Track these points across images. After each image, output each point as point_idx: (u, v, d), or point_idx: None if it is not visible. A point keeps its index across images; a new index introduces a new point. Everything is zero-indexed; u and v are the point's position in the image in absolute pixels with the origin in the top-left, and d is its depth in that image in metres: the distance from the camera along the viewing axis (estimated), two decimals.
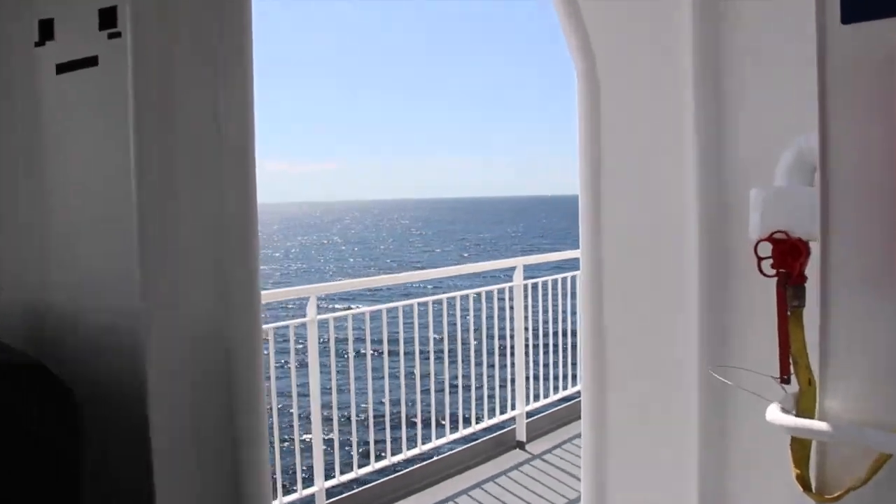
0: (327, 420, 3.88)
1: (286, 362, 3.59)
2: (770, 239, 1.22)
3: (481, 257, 43.89)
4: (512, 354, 4.77)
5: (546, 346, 5.09)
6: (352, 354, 3.88)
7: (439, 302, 4.41)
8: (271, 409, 3.57)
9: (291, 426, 3.76)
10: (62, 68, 1.51)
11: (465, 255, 47.58)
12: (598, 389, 2.31)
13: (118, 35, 1.39)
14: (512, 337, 4.76)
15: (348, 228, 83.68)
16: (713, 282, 1.95)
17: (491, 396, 4.61)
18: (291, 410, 3.68)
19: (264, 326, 3.50)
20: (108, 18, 1.40)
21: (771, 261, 1.21)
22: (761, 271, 1.21)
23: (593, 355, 2.32)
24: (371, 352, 4.11)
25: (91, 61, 1.45)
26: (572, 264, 5.07)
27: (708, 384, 1.90)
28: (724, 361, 1.84)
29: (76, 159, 1.57)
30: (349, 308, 4.03)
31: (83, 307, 1.56)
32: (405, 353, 4.23)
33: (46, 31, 1.52)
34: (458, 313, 4.53)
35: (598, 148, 2.28)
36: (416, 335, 4.28)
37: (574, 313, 5.05)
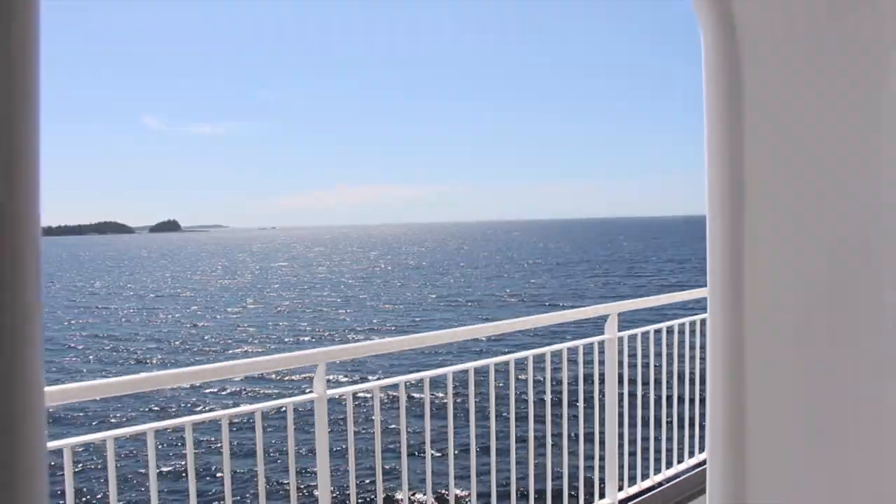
0: None
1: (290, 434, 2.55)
2: None
3: (549, 284, 42.55)
4: (601, 427, 3.73)
5: (645, 399, 4.03)
6: (378, 431, 2.86)
7: (504, 364, 3.35)
8: None
9: None
10: None
11: (533, 280, 46.16)
12: (734, 482, 1.77)
13: None
14: (602, 406, 3.70)
15: (428, 251, 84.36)
16: None
17: (573, 481, 3.64)
18: None
19: (250, 407, 2.61)
20: None
21: None
22: None
23: (729, 443, 1.79)
24: (408, 427, 3.06)
25: None
26: (680, 307, 3.99)
27: None
28: None
29: None
30: (374, 375, 3.01)
31: None
32: (455, 427, 3.13)
33: None
34: (531, 375, 3.42)
35: (739, 146, 1.79)
36: (472, 409, 3.21)
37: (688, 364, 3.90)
